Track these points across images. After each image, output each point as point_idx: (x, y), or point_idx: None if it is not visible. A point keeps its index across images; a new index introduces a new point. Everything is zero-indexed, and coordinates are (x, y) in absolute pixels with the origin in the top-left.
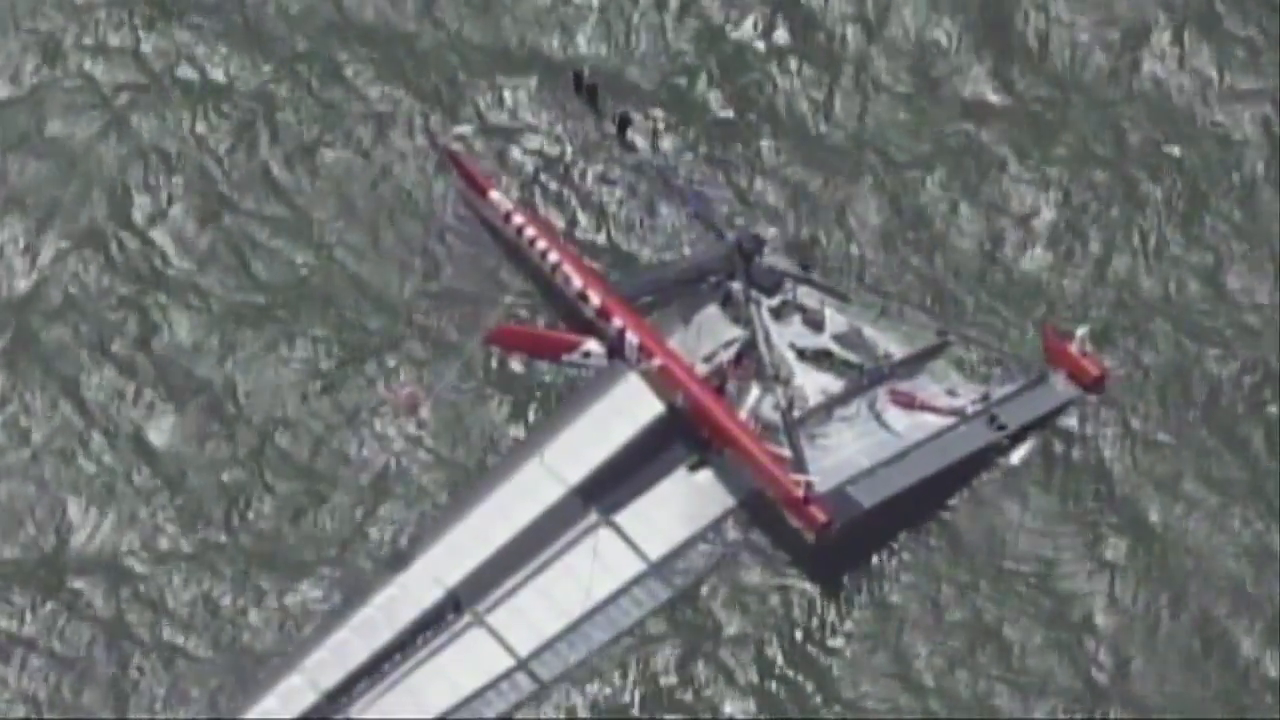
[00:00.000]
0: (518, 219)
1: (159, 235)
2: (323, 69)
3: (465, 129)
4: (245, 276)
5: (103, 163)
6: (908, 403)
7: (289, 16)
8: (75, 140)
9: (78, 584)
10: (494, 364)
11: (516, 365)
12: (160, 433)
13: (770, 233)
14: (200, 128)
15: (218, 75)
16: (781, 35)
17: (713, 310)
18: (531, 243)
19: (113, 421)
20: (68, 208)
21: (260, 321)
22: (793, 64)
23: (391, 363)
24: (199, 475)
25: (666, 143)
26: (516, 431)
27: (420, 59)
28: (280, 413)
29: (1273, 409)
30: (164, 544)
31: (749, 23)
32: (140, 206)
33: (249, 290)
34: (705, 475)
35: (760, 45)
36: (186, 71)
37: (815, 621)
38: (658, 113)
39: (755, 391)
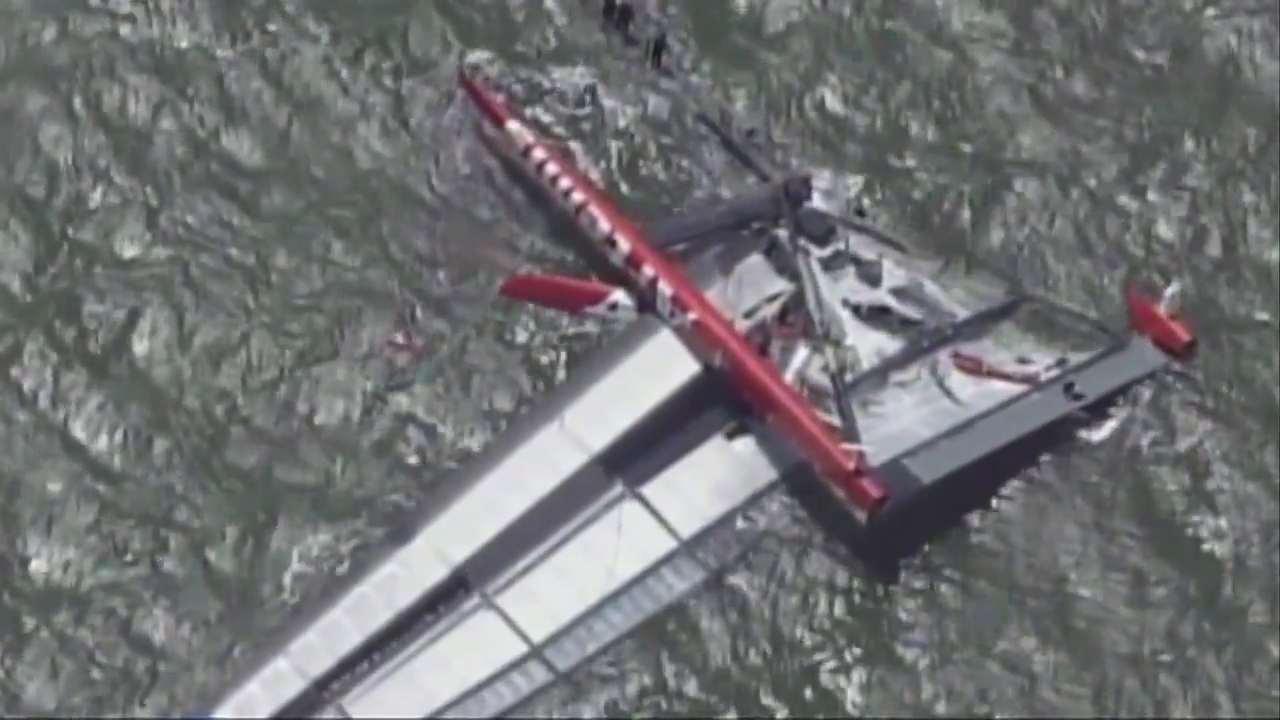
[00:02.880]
0: (538, 154)
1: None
2: None
3: (482, 55)
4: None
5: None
6: (974, 368)
7: None
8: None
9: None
10: (510, 316)
11: (535, 318)
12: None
13: (821, 174)
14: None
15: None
16: None
17: (756, 260)
18: (553, 180)
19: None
20: None
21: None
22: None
23: (397, 311)
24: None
25: (706, 71)
26: (534, 392)
27: None
28: (279, 371)
29: None
30: (169, 515)
31: None
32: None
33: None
34: (744, 444)
35: None
36: None
37: (869, 606)
38: (695, 38)
39: (802, 352)
